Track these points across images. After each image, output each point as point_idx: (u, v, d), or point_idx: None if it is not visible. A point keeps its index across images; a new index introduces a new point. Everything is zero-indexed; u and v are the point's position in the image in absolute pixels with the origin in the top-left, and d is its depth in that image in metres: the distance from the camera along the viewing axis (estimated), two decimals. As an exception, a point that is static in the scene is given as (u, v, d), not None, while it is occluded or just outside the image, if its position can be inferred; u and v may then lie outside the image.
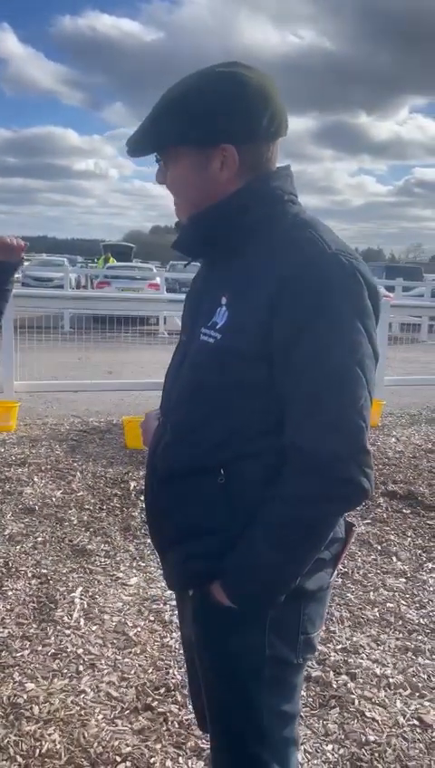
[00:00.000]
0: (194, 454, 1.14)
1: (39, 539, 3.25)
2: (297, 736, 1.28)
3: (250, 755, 1.19)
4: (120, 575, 2.94)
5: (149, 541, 2.65)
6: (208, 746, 1.54)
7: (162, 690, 2.17)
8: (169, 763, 1.88)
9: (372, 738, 2.00)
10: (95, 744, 1.93)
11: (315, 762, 1.91)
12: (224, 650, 1.17)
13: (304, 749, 1.95)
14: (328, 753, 1.94)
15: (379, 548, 3.37)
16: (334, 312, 1.02)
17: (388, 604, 2.82)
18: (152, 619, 2.59)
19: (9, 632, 2.47)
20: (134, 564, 3.05)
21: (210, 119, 1.08)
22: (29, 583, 2.83)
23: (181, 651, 1.82)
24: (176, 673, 2.24)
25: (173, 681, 2.20)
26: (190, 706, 1.64)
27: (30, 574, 2.90)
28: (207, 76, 1.12)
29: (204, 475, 1.12)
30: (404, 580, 3.06)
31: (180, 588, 1.25)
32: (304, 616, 1.16)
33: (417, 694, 2.23)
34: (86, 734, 1.97)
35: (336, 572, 1.25)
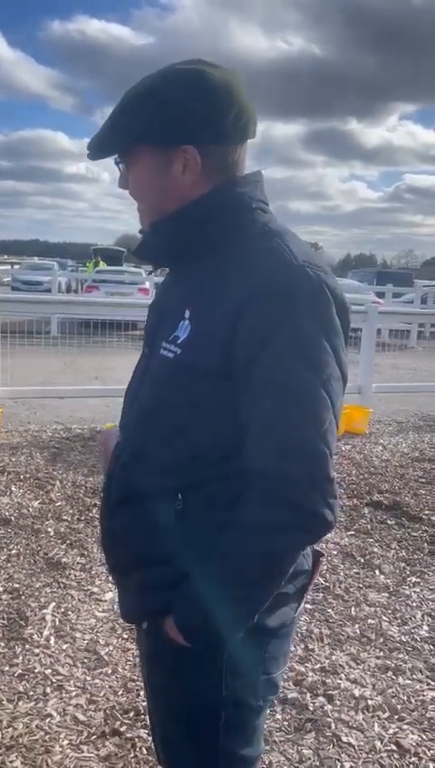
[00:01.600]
0: (151, 475, 1.07)
1: (13, 551, 3.16)
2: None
3: None
4: (95, 590, 2.85)
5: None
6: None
7: (131, 714, 2.08)
8: (134, 792, 1.79)
9: (347, 765, 1.93)
10: (58, 773, 1.84)
11: (288, 791, 1.83)
12: (177, 690, 1.09)
13: (277, 777, 1.87)
14: (301, 782, 1.86)
15: (362, 561, 3.30)
16: (299, 329, 0.95)
17: (369, 620, 2.74)
18: (126, 637, 2.50)
19: (-24, 651, 2.38)
20: (110, 579, 2.96)
21: (169, 118, 1.02)
22: (0, 599, 2.74)
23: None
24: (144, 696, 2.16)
25: (143, 704, 2.11)
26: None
27: (1, 589, 2.81)
28: (168, 74, 1.05)
29: (160, 498, 1.05)
30: (387, 594, 2.99)
31: (132, 620, 1.17)
32: (266, 654, 1.08)
33: (396, 716, 2.15)
34: (50, 761, 1.88)
35: (302, 606, 1.17)
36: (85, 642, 2.47)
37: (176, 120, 1.02)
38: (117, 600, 2.70)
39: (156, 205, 1.09)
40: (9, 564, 3.04)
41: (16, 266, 23.21)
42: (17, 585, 2.85)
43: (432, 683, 2.34)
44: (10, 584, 2.85)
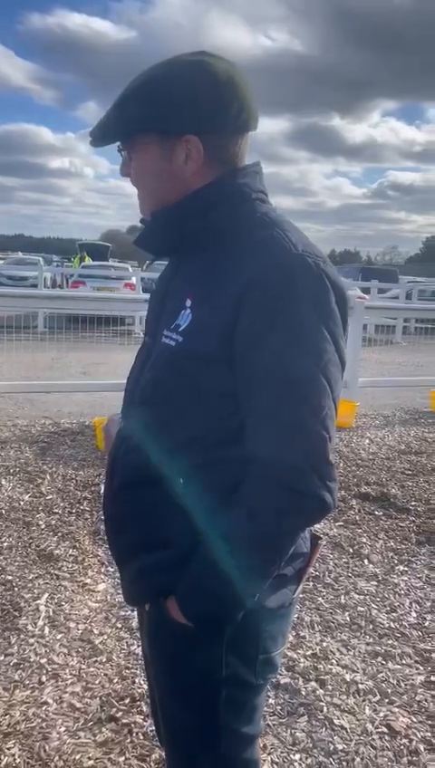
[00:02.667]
0: (154, 460, 1.09)
1: (5, 544, 3.17)
2: (258, 758, 1.23)
3: None
4: (88, 581, 2.87)
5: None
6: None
7: (127, 700, 2.11)
8: (132, 776, 1.82)
9: (340, 747, 1.97)
10: (56, 758, 1.87)
11: (282, 772, 1.87)
12: (179, 670, 1.12)
13: (272, 759, 1.91)
14: (295, 763, 1.90)
15: (351, 551, 3.35)
16: (298, 316, 0.97)
17: (359, 608, 2.79)
18: (119, 626, 2.53)
19: (-30, 642, 2.39)
20: (102, 570, 2.98)
21: (174, 107, 1.04)
22: (-7, 590, 2.75)
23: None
24: (142, 682, 2.19)
25: (139, 691, 2.15)
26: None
27: (-6, 581, 2.82)
28: (173, 64, 1.07)
29: (163, 483, 1.07)
30: (375, 583, 3.04)
31: (134, 602, 1.20)
32: (265, 634, 1.11)
33: (386, 700, 2.20)
34: (47, 748, 1.91)
35: (301, 588, 1.21)
36: (79, 632, 2.49)
37: (179, 109, 1.04)
38: (110, 590, 2.74)
39: (157, 193, 1.11)
40: (1, 557, 3.05)
41: (1, 261, 23.04)
42: (10, 577, 2.86)
43: (421, 667, 2.40)
44: (3, 576, 2.86)
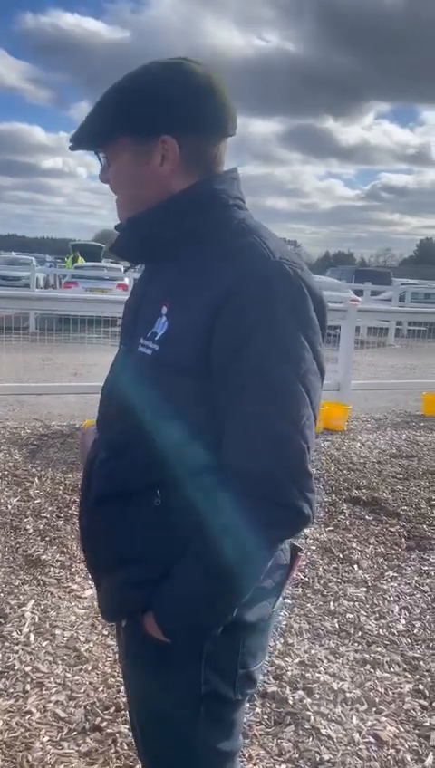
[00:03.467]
0: (129, 473, 1.07)
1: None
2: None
3: None
4: (75, 587, 2.85)
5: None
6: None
7: (112, 709, 2.09)
8: (115, 788, 1.80)
9: (326, 757, 1.95)
10: (39, 769, 1.84)
11: (268, 783, 1.85)
12: (157, 687, 1.09)
13: (257, 770, 1.89)
14: (281, 774, 1.88)
15: (340, 556, 3.34)
16: (276, 324, 0.95)
17: (348, 615, 2.78)
18: (106, 633, 2.50)
19: None
20: (90, 576, 2.95)
21: (149, 106, 1.03)
22: (-21, 596, 2.72)
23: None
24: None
25: (124, 700, 2.12)
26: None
27: (-20, 587, 2.79)
28: (150, 67, 1.06)
29: (139, 496, 1.04)
30: (365, 589, 3.02)
31: (111, 618, 1.17)
32: (244, 649, 1.09)
33: (374, 709, 2.19)
34: (30, 758, 1.88)
35: (280, 601, 1.18)
36: (65, 639, 2.46)
37: (155, 110, 1.03)
38: (96, 597, 2.71)
39: (135, 196, 1.09)
40: (-12, 562, 3.02)
41: (-6, 261, 22.93)
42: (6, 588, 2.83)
43: (409, 676, 2.38)
44: (-11, 582, 2.83)
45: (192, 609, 0.99)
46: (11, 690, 2.16)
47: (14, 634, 2.47)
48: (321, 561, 3.26)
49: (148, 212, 1.07)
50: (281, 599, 1.17)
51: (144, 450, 1.04)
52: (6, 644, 2.40)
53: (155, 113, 1.03)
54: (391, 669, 2.41)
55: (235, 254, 1.00)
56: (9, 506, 3.65)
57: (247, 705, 1.40)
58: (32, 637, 2.46)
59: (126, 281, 14.29)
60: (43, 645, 2.42)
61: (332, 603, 2.86)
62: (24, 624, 2.53)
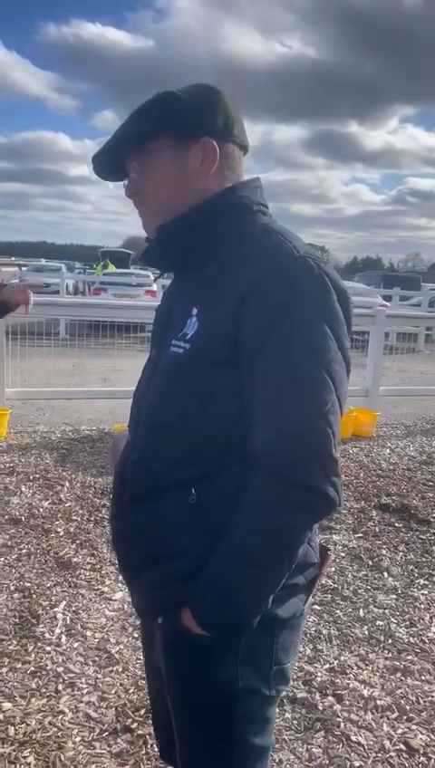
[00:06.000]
0: (163, 471, 1.10)
1: (24, 551, 3.19)
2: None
3: None
4: (105, 589, 2.88)
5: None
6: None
7: (142, 711, 2.11)
8: (146, 788, 1.82)
9: (357, 764, 1.94)
10: (71, 768, 1.86)
11: (298, 788, 1.85)
12: (195, 683, 1.11)
13: (287, 775, 1.89)
14: (311, 780, 1.88)
15: (370, 563, 3.32)
16: (300, 315, 0.99)
17: (378, 622, 2.76)
18: (136, 636, 2.53)
19: (-12, 648, 2.41)
20: (120, 578, 2.98)
21: (191, 110, 1.08)
22: (11, 597, 2.77)
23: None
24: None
25: (154, 702, 2.14)
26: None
27: (12, 588, 2.84)
28: (181, 86, 1.12)
29: (173, 493, 1.08)
30: (395, 596, 3.00)
31: (149, 616, 1.19)
32: (277, 645, 1.11)
33: (404, 717, 2.17)
34: (63, 757, 1.91)
35: (311, 599, 1.19)
36: (96, 641, 2.49)
37: (196, 112, 1.08)
38: (127, 598, 2.74)
39: (169, 200, 1.12)
40: (20, 564, 3.07)
41: (24, 268, 23.31)
42: (28, 584, 2.87)
43: (441, 684, 2.36)
44: (21, 583, 2.88)
45: (228, 598, 1.01)
46: (43, 690, 2.20)
47: (47, 635, 2.50)
48: (350, 568, 3.24)
49: (178, 219, 1.10)
50: (311, 597, 1.18)
51: (175, 447, 1.08)
52: (39, 644, 2.44)
53: (196, 115, 1.08)
54: (422, 678, 2.39)
55: (260, 252, 1.04)
56: (41, 509, 3.70)
57: (278, 703, 1.40)
58: (63, 638, 2.50)
59: (154, 287, 14.39)
60: (75, 646, 2.45)
61: (361, 610, 2.85)
62: (56, 625, 2.57)
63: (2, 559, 3.10)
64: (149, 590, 1.14)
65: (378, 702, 2.23)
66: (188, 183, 1.10)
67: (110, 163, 1.18)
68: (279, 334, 0.98)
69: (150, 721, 2.06)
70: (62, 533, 3.41)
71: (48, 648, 2.42)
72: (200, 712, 1.13)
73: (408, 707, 2.21)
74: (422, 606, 2.92)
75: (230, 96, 1.12)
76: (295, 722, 2.11)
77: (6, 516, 3.57)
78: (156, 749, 1.95)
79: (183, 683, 1.14)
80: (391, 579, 3.17)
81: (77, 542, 3.33)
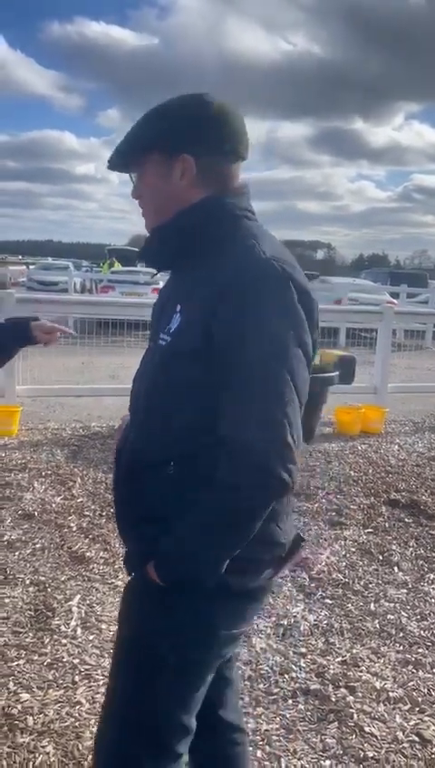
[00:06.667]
0: (151, 448, 1.23)
1: (38, 545, 3.23)
2: (192, 727, 1.29)
3: (137, 736, 1.25)
4: (119, 583, 2.91)
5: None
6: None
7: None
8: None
9: (370, 754, 1.97)
10: (90, 758, 1.89)
11: (313, 778, 1.88)
12: (140, 629, 1.25)
13: (301, 764, 1.92)
14: (326, 769, 1.91)
15: (380, 558, 3.34)
16: (261, 313, 1.09)
17: (389, 616, 2.78)
18: (150, 628, 2.56)
19: (5, 641, 2.44)
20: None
21: (175, 130, 1.22)
22: (26, 591, 2.81)
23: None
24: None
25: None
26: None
27: (28, 581, 2.88)
28: (174, 99, 1.24)
29: (157, 468, 1.21)
30: (405, 590, 3.02)
31: (129, 570, 1.32)
32: (226, 611, 1.22)
33: (417, 708, 2.19)
34: (81, 747, 1.94)
35: (276, 578, 1.29)
36: (111, 633, 2.53)
37: (177, 132, 1.21)
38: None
39: (159, 207, 1.25)
40: (34, 558, 3.11)
41: (32, 267, 23.39)
42: (43, 578, 2.91)
43: (452, 677, 2.38)
44: (36, 577, 2.92)
45: (186, 558, 1.15)
46: (60, 681, 2.23)
47: (62, 627, 2.54)
48: (361, 563, 3.27)
49: (167, 223, 1.23)
50: (276, 577, 1.29)
51: (163, 429, 1.21)
52: (55, 637, 2.48)
53: (178, 135, 1.21)
54: (434, 670, 2.41)
55: (234, 256, 1.15)
56: (54, 504, 3.74)
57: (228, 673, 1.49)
58: (79, 630, 2.53)
59: (161, 285, 14.40)
60: (90, 638, 2.49)
61: (372, 604, 2.87)
62: (72, 618, 2.61)
63: (17, 553, 3.14)
64: (134, 545, 1.28)
65: (390, 694, 2.25)
66: (175, 192, 1.23)
67: (120, 165, 1.31)
68: (244, 331, 1.09)
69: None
70: (74, 528, 3.45)
71: (64, 641, 2.46)
72: (137, 659, 1.25)
73: (420, 699, 2.24)
74: (433, 600, 2.95)
75: (222, 108, 1.21)
76: (309, 713, 2.14)
77: (20, 512, 3.61)
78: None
79: (129, 628, 1.28)
80: (401, 573, 3.19)
81: (90, 536, 3.36)
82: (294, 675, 2.33)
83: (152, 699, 1.23)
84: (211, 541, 1.13)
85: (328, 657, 2.44)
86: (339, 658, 2.44)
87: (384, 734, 2.06)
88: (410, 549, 3.48)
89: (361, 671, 2.37)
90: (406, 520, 3.87)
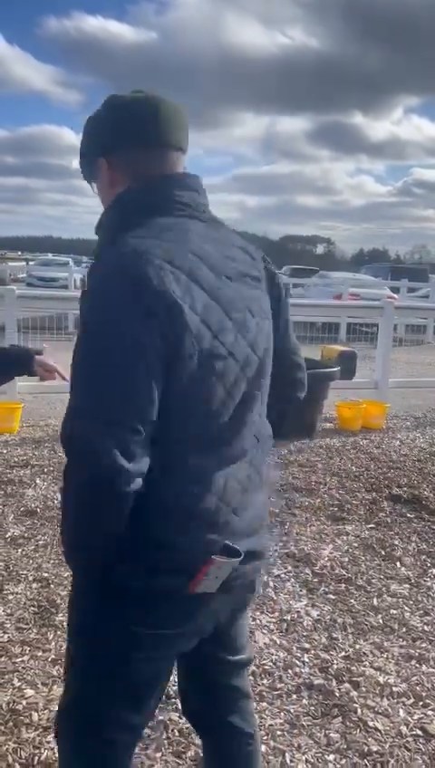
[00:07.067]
0: None
1: (40, 542, 3.24)
2: (130, 721, 1.31)
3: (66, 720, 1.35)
4: (122, 579, 2.92)
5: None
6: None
7: (162, 698, 2.14)
8: (168, 772, 1.85)
9: (374, 748, 1.97)
10: (94, 753, 1.90)
11: (317, 772, 1.88)
12: (74, 617, 1.31)
13: (306, 759, 1.93)
14: (330, 764, 1.91)
15: (383, 553, 3.34)
16: (92, 304, 1.08)
17: (392, 611, 2.79)
18: (153, 624, 2.56)
19: (9, 637, 2.45)
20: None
21: (86, 138, 1.27)
22: (30, 587, 2.81)
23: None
24: (175, 679, 2.22)
25: (174, 688, 2.17)
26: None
27: (31, 578, 2.88)
28: (112, 100, 1.24)
29: None
30: (408, 586, 3.03)
31: None
32: (137, 608, 1.17)
33: (420, 703, 2.20)
34: (85, 742, 1.95)
35: (197, 585, 1.16)
36: (114, 629, 2.53)
37: (88, 139, 1.27)
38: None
39: (104, 203, 1.28)
40: (37, 554, 3.11)
41: (31, 263, 23.35)
42: (46, 574, 2.92)
43: (455, 671, 2.38)
44: (39, 573, 2.92)
45: (66, 546, 1.19)
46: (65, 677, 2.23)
47: (66, 623, 2.54)
48: (363, 558, 3.27)
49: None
50: (195, 584, 1.16)
51: None
52: (59, 633, 2.48)
53: (88, 142, 1.27)
54: (437, 665, 2.42)
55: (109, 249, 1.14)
56: (55, 501, 3.74)
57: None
58: (82, 626, 2.53)
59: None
60: (94, 634, 2.49)
61: (375, 599, 2.88)
62: (75, 614, 2.61)
63: (19, 550, 3.14)
64: None
65: (394, 688, 2.26)
66: (105, 195, 1.26)
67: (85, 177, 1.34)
68: (81, 327, 1.09)
69: (170, 707, 2.11)
70: (77, 525, 3.45)
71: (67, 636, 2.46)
72: (70, 641, 1.34)
73: (424, 694, 2.24)
74: (436, 595, 2.95)
75: (127, 105, 1.20)
76: (313, 708, 2.14)
77: (22, 508, 3.62)
78: (177, 734, 1.99)
79: (70, 616, 1.34)
80: (403, 568, 3.20)
81: (92, 533, 3.36)
82: (297, 670, 2.33)
83: (78, 685, 1.31)
84: (67, 524, 1.16)
85: (331, 653, 2.45)
86: (342, 653, 2.45)
87: (388, 728, 2.07)
88: (413, 544, 3.48)
89: (364, 666, 2.38)
90: (408, 515, 3.87)
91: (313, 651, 2.46)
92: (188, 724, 1.98)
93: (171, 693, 2.15)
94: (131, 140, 1.21)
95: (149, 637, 1.21)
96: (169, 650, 1.29)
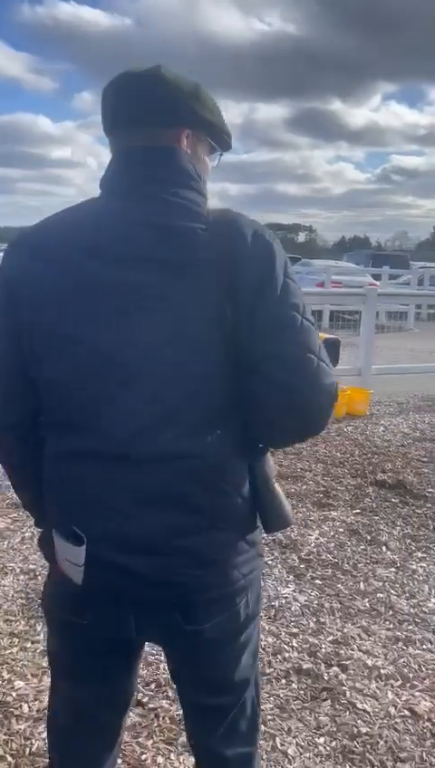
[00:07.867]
0: None
1: (27, 534, 3.22)
2: (59, 722, 1.41)
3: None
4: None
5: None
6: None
7: (153, 686, 2.15)
8: (160, 759, 1.87)
9: (363, 730, 2.00)
10: (86, 742, 1.91)
11: (307, 755, 1.90)
12: None
13: (296, 742, 1.95)
14: (320, 747, 1.93)
15: (368, 538, 3.38)
16: None
17: (378, 594, 2.82)
18: (142, 613, 2.57)
19: (-3, 629, 2.44)
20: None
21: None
22: (17, 579, 2.80)
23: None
24: (166, 668, 2.22)
25: (164, 677, 2.18)
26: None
27: (18, 570, 2.87)
28: None
29: None
30: (394, 569, 3.06)
31: None
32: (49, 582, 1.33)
33: (408, 684, 2.23)
34: (76, 732, 1.95)
35: (62, 566, 1.16)
36: (103, 619, 2.53)
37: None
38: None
39: None
40: (24, 546, 3.10)
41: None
42: (33, 566, 2.91)
43: (442, 652, 2.42)
44: (26, 565, 2.91)
45: None
46: (54, 668, 2.23)
47: (54, 615, 2.54)
48: (349, 543, 3.30)
49: None
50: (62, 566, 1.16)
51: None
52: (47, 624, 2.47)
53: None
54: (424, 647, 2.45)
55: None
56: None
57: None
58: (71, 617, 2.53)
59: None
60: (83, 625, 2.49)
61: (362, 583, 2.90)
62: (63, 605, 2.60)
63: (6, 542, 3.13)
64: None
65: (382, 671, 2.29)
66: None
67: None
68: None
69: (160, 695, 2.12)
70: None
71: (56, 628, 2.45)
72: None
73: (411, 675, 2.27)
74: (421, 578, 2.99)
75: (108, 87, 1.16)
76: (302, 692, 2.16)
77: (7, 501, 3.59)
78: (168, 721, 2.00)
79: None
80: (389, 552, 3.23)
81: (79, 524, 3.35)
82: (286, 655, 2.35)
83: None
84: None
85: (319, 637, 2.47)
86: (330, 638, 2.47)
87: (377, 710, 2.09)
88: (398, 528, 3.52)
89: (352, 649, 2.40)
90: (393, 500, 3.91)
91: (301, 636, 2.48)
92: (180, 711, 1.99)
93: (162, 681, 2.17)
94: (108, 125, 1.20)
95: (66, 623, 1.24)
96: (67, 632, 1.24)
